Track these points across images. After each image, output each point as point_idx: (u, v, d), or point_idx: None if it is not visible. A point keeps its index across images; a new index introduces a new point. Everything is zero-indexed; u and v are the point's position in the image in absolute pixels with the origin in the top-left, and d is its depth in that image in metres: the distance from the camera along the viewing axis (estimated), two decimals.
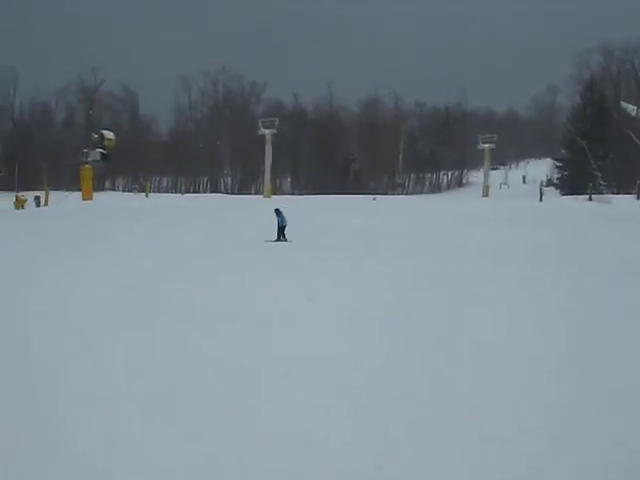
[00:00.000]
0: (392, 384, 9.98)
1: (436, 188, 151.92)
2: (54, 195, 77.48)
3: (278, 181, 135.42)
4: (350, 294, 17.36)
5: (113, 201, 75.31)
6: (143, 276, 20.34)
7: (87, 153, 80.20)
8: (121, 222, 41.67)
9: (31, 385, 9.76)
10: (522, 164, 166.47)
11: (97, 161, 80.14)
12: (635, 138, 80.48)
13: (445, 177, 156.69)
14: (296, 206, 61.58)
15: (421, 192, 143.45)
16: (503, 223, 42.21)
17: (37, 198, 75.92)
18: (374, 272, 21.42)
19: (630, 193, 79.93)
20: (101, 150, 79.48)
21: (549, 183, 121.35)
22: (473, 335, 12.76)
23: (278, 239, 32.47)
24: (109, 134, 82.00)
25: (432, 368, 10.74)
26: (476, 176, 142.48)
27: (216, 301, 16.14)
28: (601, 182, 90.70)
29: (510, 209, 58.20)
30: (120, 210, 53.14)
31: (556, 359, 11.27)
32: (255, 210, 55.04)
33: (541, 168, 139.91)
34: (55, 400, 9.21)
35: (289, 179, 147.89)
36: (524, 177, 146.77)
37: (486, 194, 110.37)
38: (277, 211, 33.44)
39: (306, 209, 56.32)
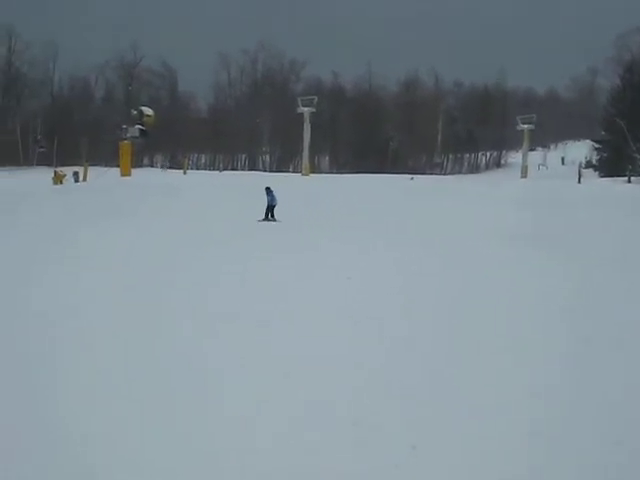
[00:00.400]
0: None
1: (474, 168, 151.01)
2: (93, 171, 77.89)
3: (316, 159, 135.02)
4: (310, 282, 17.31)
5: (151, 177, 75.40)
6: (153, 259, 20.63)
7: (126, 129, 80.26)
8: (151, 199, 41.87)
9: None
10: (561, 145, 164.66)
11: (136, 137, 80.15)
12: None
13: (483, 157, 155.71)
14: (328, 185, 61.71)
15: (459, 172, 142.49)
16: (536, 205, 41.89)
17: (76, 174, 76.38)
18: (355, 261, 20.76)
19: None
20: (140, 126, 79.50)
21: (588, 165, 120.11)
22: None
23: (266, 218, 32.25)
24: (148, 110, 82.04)
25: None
26: (515, 157, 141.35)
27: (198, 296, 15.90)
28: None
29: (545, 190, 57.69)
30: (155, 187, 53.18)
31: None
32: (288, 189, 54.83)
33: (580, 149, 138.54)
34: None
35: (327, 157, 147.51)
36: (563, 158, 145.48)
37: (524, 175, 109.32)
38: (268, 190, 33.02)
39: (335, 188, 56.24)
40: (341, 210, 36.23)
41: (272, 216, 32.44)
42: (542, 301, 15.40)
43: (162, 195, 44.84)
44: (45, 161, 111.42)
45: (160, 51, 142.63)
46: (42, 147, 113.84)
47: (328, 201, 42.13)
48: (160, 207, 36.26)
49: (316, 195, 47.67)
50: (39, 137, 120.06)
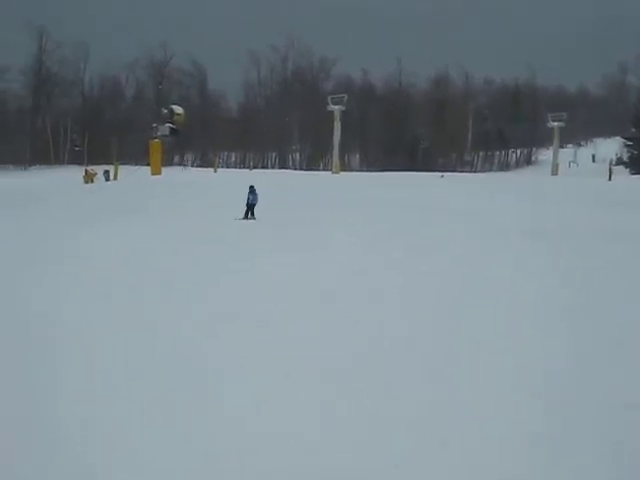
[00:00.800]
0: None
1: (504, 166, 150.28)
2: (123, 170, 78.22)
3: (347, 157, 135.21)
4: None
5: (180, 176, 75.66)
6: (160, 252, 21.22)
7: (156, 128, 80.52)
8: (176, 197, 42.38)
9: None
10: (592, 142, 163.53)
11: (166, 136, 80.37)
12: None
13: (514, 155, 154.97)
14: (356, 183, 61.64)
15: (490, 170, 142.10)
16: (566, 203, 41.87)
17: (107, 172, 76.74)
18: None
19: None
20: (170, 125, 79.72)
21: (619, 162, 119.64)
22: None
23: (245, 217, 32.08)
24: (178, 109, 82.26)
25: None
26: (545, 154, 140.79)
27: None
28: None
29: (574, 188, 57.55)
30: (182, 186, 53.45)
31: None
32: (317, 188, 54.88)
33: (611, 146, 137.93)
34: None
35: (357, 155, 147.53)
36: (593, 156, 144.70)
37: (555, 172, 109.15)
38: (252, 188, 32.88)
39: (364, 186, 56.28)
40: (365, 209, 36.10)
41: (252, 214, 32.31)
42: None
43: (187, 194, 45.06)
44: (76, 160, 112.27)
45: (190, 50, 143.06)
46: (77, 146, 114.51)
47: (355, 200, 41.98)
48: (181, 206, 36.56)
49: (342, 193, 47.68)
50: (74, 136, 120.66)
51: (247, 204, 32.48)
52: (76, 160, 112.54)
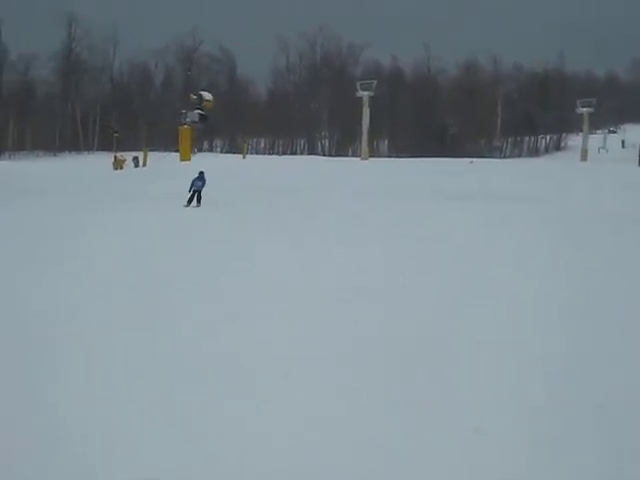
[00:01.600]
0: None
1: (534, 152, 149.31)
2: (152, 156, 78.43)
3: (375, 143, 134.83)
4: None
5: (208, 162, 75.60)
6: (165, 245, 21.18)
7: (185, 114, 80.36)
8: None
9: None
10: (620, 128, 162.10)
11: (195, 122, 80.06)
12: None
13: (543, 141, 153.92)
14: (384, 169, 61.46)
15: (519, 156, 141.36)
16: (590, 190, 41.80)
17: (136, 159, 77.12)
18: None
19: None
20: (199, 111, 79.54)
21: None
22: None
23: (189, 203, 31.66)
24: (208, 95, 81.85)
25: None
26: (575, 140, 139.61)
27: None
28: None
29: (602, 174, 57.30)
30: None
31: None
32: (343, 174, 54.75)
33: None
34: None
35: (386, 141, 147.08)
36: (623, 141, 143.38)
37: (584, 158, 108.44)
38: (201, 174, 32.68)
39: (391, 173, 56.10)
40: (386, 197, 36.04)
41: (198, 201, 31.99)
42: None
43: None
44: (105, 146, 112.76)
45: (218, 36, 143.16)
46: (115, 132, 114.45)
47: (380, 188, 41.89)
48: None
49: (368, 181, 47.65)
50: (111, 123, 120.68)
51: (192, 190, 32.17)
52: (105, 146, 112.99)
